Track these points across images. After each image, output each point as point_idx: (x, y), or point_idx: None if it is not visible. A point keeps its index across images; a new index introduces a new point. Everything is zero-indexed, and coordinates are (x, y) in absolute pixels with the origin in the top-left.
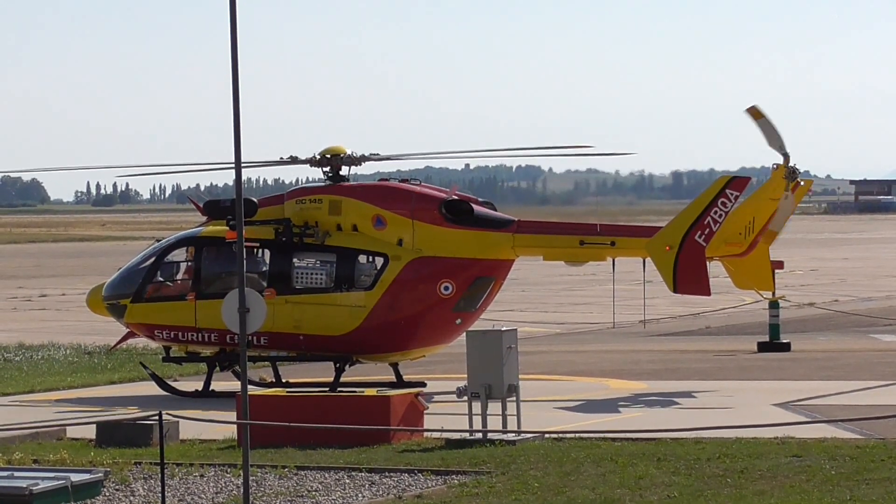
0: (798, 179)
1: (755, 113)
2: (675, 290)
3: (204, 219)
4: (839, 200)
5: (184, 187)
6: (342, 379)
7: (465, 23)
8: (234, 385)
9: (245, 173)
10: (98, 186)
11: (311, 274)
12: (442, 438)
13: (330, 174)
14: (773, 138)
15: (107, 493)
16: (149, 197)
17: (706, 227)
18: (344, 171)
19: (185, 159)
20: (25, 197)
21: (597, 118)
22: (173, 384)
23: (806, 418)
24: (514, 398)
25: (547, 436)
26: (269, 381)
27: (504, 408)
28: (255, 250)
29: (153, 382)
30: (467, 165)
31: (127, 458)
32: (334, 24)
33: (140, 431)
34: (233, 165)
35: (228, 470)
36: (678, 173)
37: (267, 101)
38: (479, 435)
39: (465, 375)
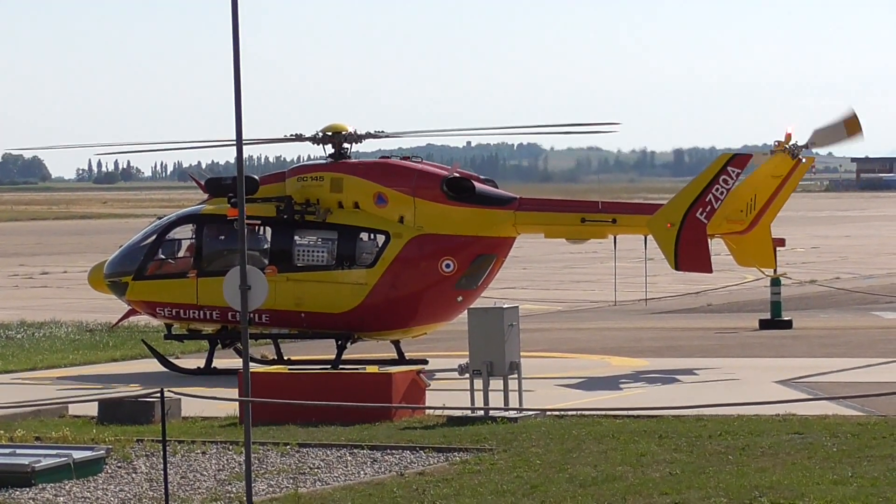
0: (800, 157)
1: (854, 126)
2: (677, 268)
3: (205, 196)
4: (841, 178)
5: (185, 165)
6: (344, 356)
7: (468, 1)
8: (236, 362)
9: (246, 151)
10: (99, 164)
11: (313, 251)
12: (444, 416)
13: (331, 152)
14: (830, 139)
15: (109, 471)
16: (150, 174)
17: (708, 204)
18: (345, 148)
19: (187, 137)
20: (27, 174)
21: (599, 95)
22: (175, 361)
23: (807, 395)
24: (516, 375)
25: (548, 413)
26: (271, 358)
27: (506, 385)
28: (257, 228)
29: (155, 360)
30: (469, 143)
31: (129, 435)
32: (335, 2)
33: (142, 409)
34: (234, 142)
35: (230, 447)
36: (680, 151)
37: (268, 78)
38: (481, 412)
39: (467, 353)
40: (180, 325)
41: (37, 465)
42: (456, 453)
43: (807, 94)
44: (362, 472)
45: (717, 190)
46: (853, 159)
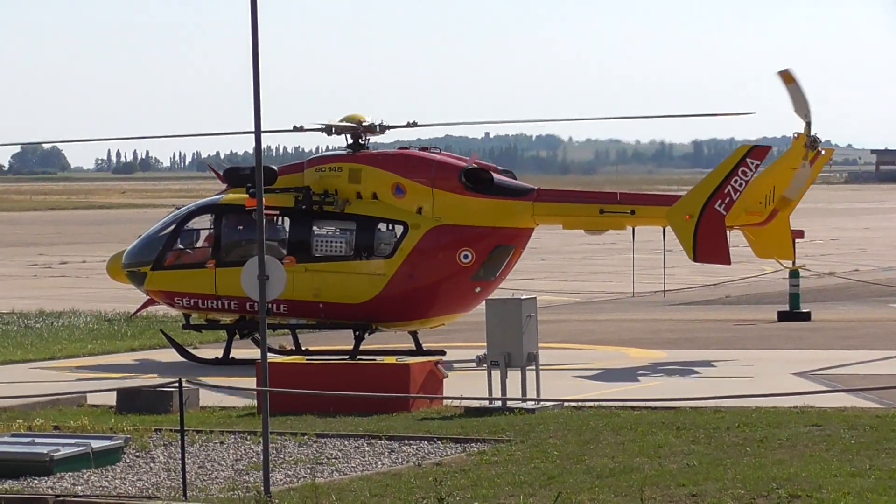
0: (819, 148)
1: (787, 77)
2: (695, 259)
3: (224, 186)
4: (860, 170)
5: (204, 155)
6: (361, 347)
7: None
8: (254, 353)
9: (265, 141)
10: (118, 154)
11: (331, 242)
12: (461, 406)
13: (350, 142)
14: (801, 105)
15: (127, 460)
16: (169, 165)
17: (726, 195)
18: (364, 139)
19: (206, 128)
20: (46, 164)
21: (617, 86)
22: (193, 351)
23: (825, 387)
24: (534, 366)
25: (566, 404)
26: (289, 348)
27: (523, 376)
28: (275, 218)
29: (173, 349)
30: (487, 134)
31: (147, 424)
32: None
33: (160, 398)
34: (252, 133)
35: (248, 437)
36: (698, 142)
37: (287, 68)
38: (499, 403)
39: (485, 344)
40: (199, 315)
41: (55, 454)
42: (473, 444)
43: (827, 85)
44: (380, 463)
45: (735, 181)
46: (873, 151)
